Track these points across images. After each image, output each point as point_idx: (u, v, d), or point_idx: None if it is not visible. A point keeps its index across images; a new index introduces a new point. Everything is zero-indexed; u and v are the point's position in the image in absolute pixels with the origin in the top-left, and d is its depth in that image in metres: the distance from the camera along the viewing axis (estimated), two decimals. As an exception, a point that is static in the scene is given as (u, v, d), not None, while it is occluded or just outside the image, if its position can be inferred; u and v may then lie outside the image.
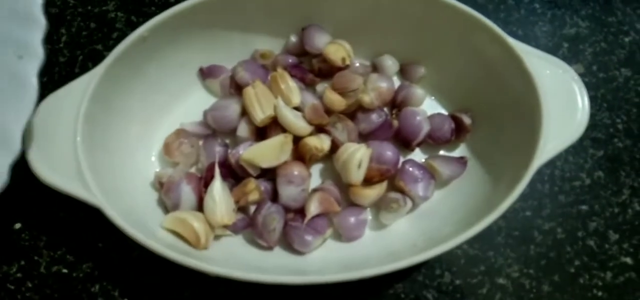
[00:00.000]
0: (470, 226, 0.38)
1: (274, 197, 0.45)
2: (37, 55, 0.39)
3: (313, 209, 0.43)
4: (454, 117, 0.48)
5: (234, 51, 0.51)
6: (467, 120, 0.48)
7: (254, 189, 0.43)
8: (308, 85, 0.50)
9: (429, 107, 0.51)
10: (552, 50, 0.56)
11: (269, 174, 0.46)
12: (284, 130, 0.45)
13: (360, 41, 0.51)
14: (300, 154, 0.46)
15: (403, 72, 0.52)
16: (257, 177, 0.45)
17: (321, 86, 0.50)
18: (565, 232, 0.48)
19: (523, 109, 0.43)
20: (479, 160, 0.47)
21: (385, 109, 0.49)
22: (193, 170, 0.48)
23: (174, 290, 0.45)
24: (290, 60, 0.51)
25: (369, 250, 0.44)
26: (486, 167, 0.46)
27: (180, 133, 0.47)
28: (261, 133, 0.47)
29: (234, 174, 0.45)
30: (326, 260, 0.43)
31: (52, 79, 0.53)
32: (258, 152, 0.44)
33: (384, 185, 0.46)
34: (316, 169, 0.48)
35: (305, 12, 0.50)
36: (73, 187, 0.39)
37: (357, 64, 0.51)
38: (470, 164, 0.47)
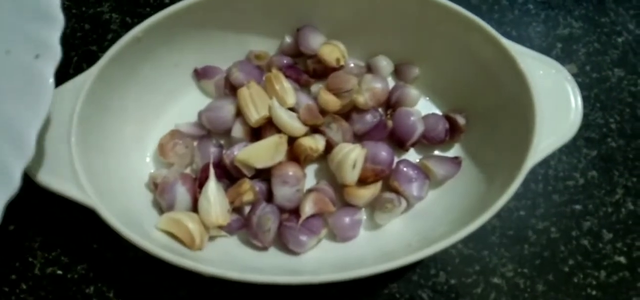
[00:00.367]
0: (465, 226, 0.38)
1: (269, 197, 0.45)
2: (54, 55, 0.36)
3: (308, 209, 0.43)
4: (448, 118, 0.49)
5: (228, 52, 0.51)
6: (461, 120, 0.48)
7: (249, 189, 0.44)
8: (303, 86, 0.51)
9: (423, 107, 0.51)
10: (546, 51, 0.56)
11: (264, 175, 0.46)
12: (278, 130, 0.46)
13: (355, 42, 0.51)
14: (295, 155, 0.46)
15: (397, 73, 0.52)
16: (251, 178, 0.45)
17: (316, 87, 0.50)
18: (559, 232, 0.48)
19: (517, 109, 0.43)
20: (473, 160, 0.47)
21: (380, 110, 0.49)
22: (188, 171, 0.48)
23: (168, 290, 0.45)
24: (284, 61, 0.51)
25: (364, 250, 0.44)
26: (480, 167, 0.46)
27: (174, 134, 0.47)
28: (256, 134, 0.47)
29: (229, 175, 0.46)
30: (321, 260, 0.43)
31: (46, 80, 0.53)
32: (253, 152, 0.44)
33: (378, 185, 0.46)
34: (311, 169, 0.49)
35: (300, 12, 0.50)
36: (67, 188, 0.39)
37: (352, 65, 0.51)
38: (464, 164, 0.47)
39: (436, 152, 0.49)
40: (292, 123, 0.45)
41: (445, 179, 0.47)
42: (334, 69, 0.49)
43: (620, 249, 0.48)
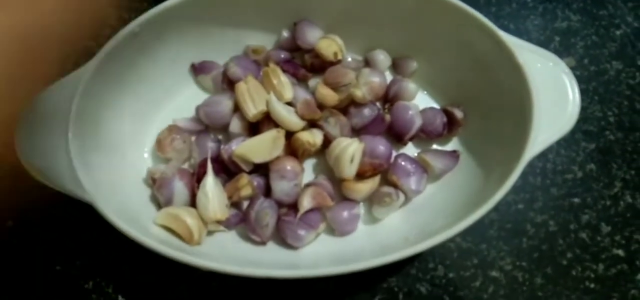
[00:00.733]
0: (463, 219, 0.38)
1: (267, 192, 0.45)
2: None
3: (306, 203, 0.43)
4: (446, 111, 0.48)
5: (226, 47, 0.51)
6: (459, 114, 0.48)
7: (247, 184, 0.43)
8: (300, 80, 0.51)
9: (421, 101, 0.51)
10: (544, 44, 0.56)
11: (262, 169, 0.46)
12: (276, 125, 0.45)
13: (353, 36, 0.51)
14: (293, 149, 0.46)
15: (395, 67, 0.52)
16: (249, 173, 0.45)
17: (313, 81, 0.50)
18: (557, 225, 0.48)
19: (514, 102, 0.43)
20: (471, 153, 0.47)
21: (378, 104, 0.49)
22: (186, 166, 0.48)
23: (167, 285, 0.45)
24: (282, 56, 0.51)
25: (362, 244, 0.44)
26: (478, 160, 0.46)
27: (172, 129, 0.47)
28: (254, 128, 0.47)
29: (227, 170, 0.45)
30: (319, 254, 0.43)
31: (43, 76, 0.53)
32: (250, 147, 0.44)
33: (376, 179, 0.46)
34: (309, 163, 0.48)
35: (297, 6, 0.50)
36: (65, 183, 0.39)
37: (350, 59, 0.51)
38: (462, 158, 0.47)
39: (434, 146, 0.49)
40: (289, 117, 0.45)
41: (443, 172, 0.47)
42: (332, 63, 0.49)
43: (618, 242, 0.48)
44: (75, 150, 0.40)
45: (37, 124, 0.40)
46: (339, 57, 0.49)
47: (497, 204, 0.39)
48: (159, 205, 0.45)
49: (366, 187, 0.45)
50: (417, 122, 0.47)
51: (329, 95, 0.47)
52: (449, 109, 0.48)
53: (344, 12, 0.50)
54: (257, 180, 0.45)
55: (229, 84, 0.50)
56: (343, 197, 0.46)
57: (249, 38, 0.51)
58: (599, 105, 0.54)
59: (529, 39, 0.46)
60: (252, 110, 0.45)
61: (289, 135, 0.46)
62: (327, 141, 0.46)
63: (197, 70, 0.51)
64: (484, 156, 0.46)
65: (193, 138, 0.48)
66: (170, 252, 0.37)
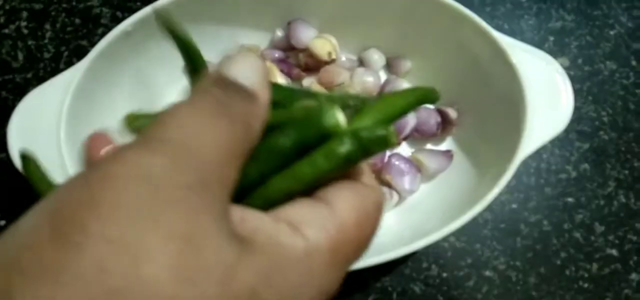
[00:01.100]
0: (456, 219, 0.38)
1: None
2: None
3: (299, 203, 0.43)
4: (440, 111, 0.48)
5: (219, 46, 0.50)
6: (453, 113, 0.48)
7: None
8: (294, 79, 0.50)
9: (415, 101, 0.50)
10: (538, 44, 0.56)
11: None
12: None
13: (347, 35, 0.51)
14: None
15: (389, 66, 0.52)
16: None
17: (308, 80, 0.50)
18: (551, 225, 0.48)
19: (508, 102, 0.43)
20: (464, 153, 0.47)
21: (372, 103, 0.49)
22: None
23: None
24: (276, 55, 0.51)
25: (356, 244, 0.44)
26: (472, 160, 0.46)
27: (166, 128, 0.47)
28: (247, 128, 0.47)
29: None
30: (313, 254, 0.43)
31: (37, 75, 0.53)
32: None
33: (370, 179, 0.45)
34: (303, 163, 0.48)
35: (291, 6, 0.50)
36: (57, 183, 0.39)
37: (344, 58, 0.51)
38: (456, 157, 0.47)
39: (428, 146, 0.49)
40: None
41: (437, 172, 0.47)
42: (326, 63, 0.49)
43: (612, 242, 0.48)
44: (67, 150, 0.39)
45: (29, 124, 0.40)
46: (333, 56, 0.49)
47: (490, 203, 0.38)
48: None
49: (360, 186, 0.45)
50: (411, 122, 0.47)
51: (323, 95, 0.47)
52: (443, 108, 0.48)
53: (338, 12, 0.50)
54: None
55: (222, 83, 0.49)
56: (337, 197, 0.46)
57: (242, 37, 0.51)
58: (592, 105, 0.54)
59: (523, 39, 0.46)
60: (246, 109, 0.45)
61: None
62: (321, 141, 0.46)
63: (191, 69, 0.50)
64: (477, 156, 0.46)
65: (186, 137, 0.48)
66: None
